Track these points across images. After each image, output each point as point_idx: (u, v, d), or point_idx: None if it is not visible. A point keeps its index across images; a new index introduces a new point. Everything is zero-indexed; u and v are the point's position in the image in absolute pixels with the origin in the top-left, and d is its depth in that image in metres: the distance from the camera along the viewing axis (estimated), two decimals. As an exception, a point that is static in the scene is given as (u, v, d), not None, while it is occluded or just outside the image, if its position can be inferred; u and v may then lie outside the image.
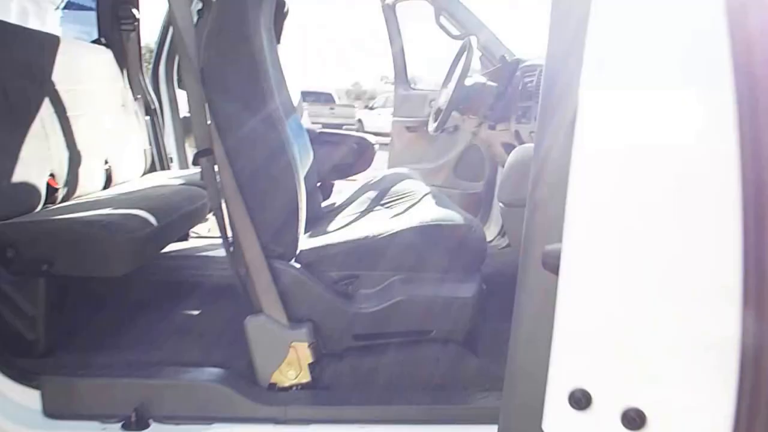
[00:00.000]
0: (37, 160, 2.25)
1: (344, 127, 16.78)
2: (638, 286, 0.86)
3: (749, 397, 0.78)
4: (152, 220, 2.10)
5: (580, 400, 0.87)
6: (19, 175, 2.13)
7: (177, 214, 2.35)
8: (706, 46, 0.82)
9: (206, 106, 1.81)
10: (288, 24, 3.08)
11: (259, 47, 1.92)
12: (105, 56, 3.12)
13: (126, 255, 1.99)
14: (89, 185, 2.63)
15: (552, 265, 0.89)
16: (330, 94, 22.23)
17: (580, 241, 0.88)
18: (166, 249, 2.76)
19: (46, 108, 2.41)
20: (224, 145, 1.80)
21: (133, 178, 3.06)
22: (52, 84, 2.50)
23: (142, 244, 2.04)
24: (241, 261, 1.88)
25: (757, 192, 0.77)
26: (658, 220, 0.85)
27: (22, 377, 1.85)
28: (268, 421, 1.82)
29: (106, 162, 2.81)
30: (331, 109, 20.61)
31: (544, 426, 0.92)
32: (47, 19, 3.16)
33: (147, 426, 1.81)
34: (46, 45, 2.58)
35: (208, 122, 1.82)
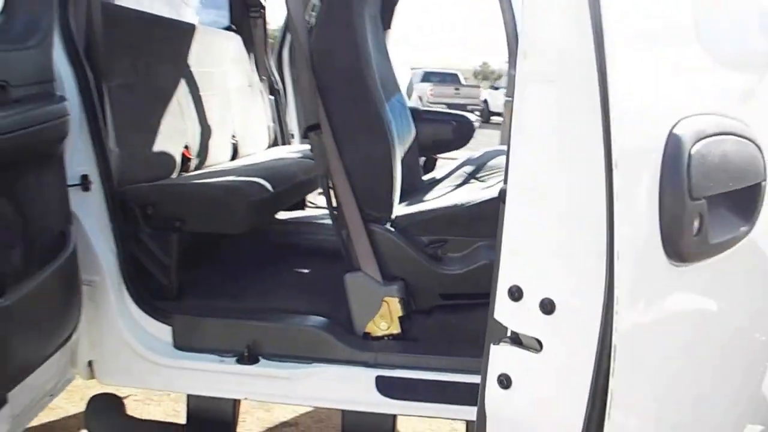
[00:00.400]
0: (174, 134, 2.53)
1: (469, 107, 16.49)
2: (544, 216, 1.14)
3: (608, 288, 1.04)
4: (269, 186, 2.30)
5: (515, 293, 1.15)
6: (159, 146, 2.42)
7: (291, 183, 2.56)
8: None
9: (315, 86, 1.96)
10: (414, 8, 3.25)
11: (362, 34, 2.09)
12: (234, 41, 3.37)
13: (244, 215, 2.21)
14: (218, 156, 2.90)
15: (503, 198, 1.19)
16: (456, 75, 21.74)
17: (514, 183, 1.17)
18: (285, 215, 3.02)
19: (183, 88, 2.67)
20: (330, 121, 1.96)
21: (257, 151, 3.30)
22: (188, 67, 2.77)
23: (259, 206, 2.25)
24: (343, 224, 2.03)
25: (608, 161, 1.02)
26: (559, 170, 1.13)
27: (158, 315, 2.09)
28: (360, 364, 1.99)
29: (234, 136, 3.07)
30: (456, 89, 20.26)
31: (495, 315, 1.21)
32: (184, 16, 3.48)
33: (257, 361, 2.02)
34: (184, 33, 2.86)
35: (317, 101, 1.97)
